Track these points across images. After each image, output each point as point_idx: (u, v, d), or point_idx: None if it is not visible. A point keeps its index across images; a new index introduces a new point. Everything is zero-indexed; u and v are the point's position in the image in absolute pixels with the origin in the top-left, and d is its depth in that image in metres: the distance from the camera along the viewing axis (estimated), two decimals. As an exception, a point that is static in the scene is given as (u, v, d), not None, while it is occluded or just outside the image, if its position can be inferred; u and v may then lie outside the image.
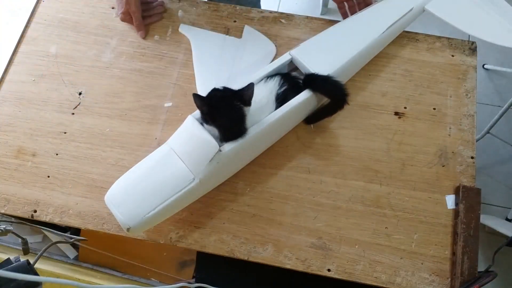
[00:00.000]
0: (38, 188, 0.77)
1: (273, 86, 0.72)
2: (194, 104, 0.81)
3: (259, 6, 1.18)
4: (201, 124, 0.66)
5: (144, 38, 0.88)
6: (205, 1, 0.93)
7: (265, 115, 0.69)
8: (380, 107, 0.81)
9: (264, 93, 0.70)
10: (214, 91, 0.67)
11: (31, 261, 0.53)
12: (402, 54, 0.86)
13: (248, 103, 0.65)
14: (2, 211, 0.75)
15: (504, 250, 0.70)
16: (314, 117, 0.78)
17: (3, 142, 0.80)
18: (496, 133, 1.49)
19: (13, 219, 0.77)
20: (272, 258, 0.71)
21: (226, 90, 0.67)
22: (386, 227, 0.72)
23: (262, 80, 0.73)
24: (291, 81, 0.74)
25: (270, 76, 0.74)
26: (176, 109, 0.82)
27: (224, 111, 0.64)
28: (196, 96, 0.63)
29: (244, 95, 0.64)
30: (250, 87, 0.64)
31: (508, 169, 1.57)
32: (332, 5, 1.86)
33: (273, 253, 0.71)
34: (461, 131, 0.79)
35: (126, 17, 0.87)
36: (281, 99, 0.71)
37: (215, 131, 0.64)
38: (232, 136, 0.65)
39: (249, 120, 0.66)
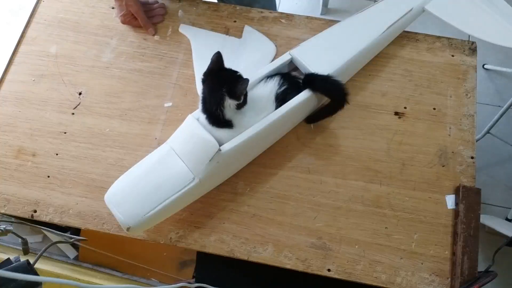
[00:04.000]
0: (38, 188, 0.77)
1: (273, 86, 0.71)
2: (194, 104, 0.82)
3: (274, 8, 1.17)
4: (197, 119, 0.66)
5: (154, 34, 0.88)
6: (205, 1, 0.93)
7: (264, 114, 0.69)
8: (380, 107, 0.81)
9: (264, 93, 0.70)
10: (223, 69, 0.67)
11: (31, 261, 0.53)
12: (402, 54, 0.86)
13: (234, 95, 0.63)
14: (2, 211, 0.75)
15: (504, 250, 0.69)
16: (315, 117, 0.78)
17: (3, 142, 0.80)
18: (496, 133, 1.49)
19: (13, 219, 0.77)
20: (272, 258, 0.71)
21: (229, 72, 0.67)
22: (386, 227, 0.72)
23: (262, 80, 0.73)
24: (291, 80, 0.74)
25: (270, 76, 0.74)
26: (176, 109, 0.82)
27: (210, 86, 0.65)
28: (217, 54, 0.66)
29: (236, 88, 0.62)
30: (244, 82, 0.62)
31: (508, 169, 1.57)
32: (332, 5, 1.86)
33: (273, 253, 0.71)
34: (461, 131, 0.79)
35: (127, 18, 0.87)
36: (280, 99, 0.71)
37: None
38: (207, 113, 0.66)
39: (244, 119, 0.67)
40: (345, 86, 0.72)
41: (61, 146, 0.80)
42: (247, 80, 0.63)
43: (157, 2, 0.91)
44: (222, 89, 0.63)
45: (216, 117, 0.65)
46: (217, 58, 0.66)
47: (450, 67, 0.84)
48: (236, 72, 0.67)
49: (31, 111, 0.83)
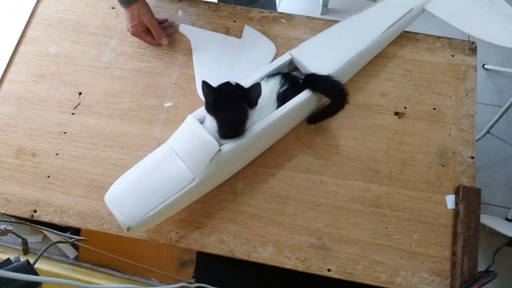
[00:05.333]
0: (38, 188, 0.77)
1: (274, 85, 0.72)
2: (194, 104, 0.82)
3: (275, 8, 1.16)
4: (201, 123, 0.66)
5: (167, 44, 0.86)
6: (205, 1, 0.93)
7: (266, 114, 0.69)
8: (380, 107, 0.81)
9: (265, 92, 0.70)
10: (226, 85, 0.66)
11: (31, 261, 0.53)
12: (402, 54, 0.86)
13: (255, 103, 0.65)
14: (2, 211, 0.75)
15: (504, 250, 0.70)
16: (316, 118, 0.78)
17: (3, 142, 0.80)
18: (496, 133, 1.49)
19: (13, 219, 0.77)
20: (272, 258, 0.71)
21: (237, 87, 0.66)
22: (386, 227, 0.72)
23: (263, 79, 0.73)
24: (292, 80, 0.74)
25: (270, 75, 0.74)
26: (176, 109, 0.82)
27: (229, 108, 0.64)
28: (205, 84, 0.63)
29: (251, 96, 0.64)
30: (257, 87, 0.64)
31: (508, 169, 1.57)
32: (332, 5, 1.86)
33: (273, 253, 0.71)
34: (461, 131, 0.79)
35: (139, 30, 0.83)
36: (282, 98, 0.71)
37: (214, 124, 0.64)
38: (229, 134, 0.65)
39: (250, 120, 0.66)
40: (345, 87, 0.72)
41: (61, 146, 0.80)
42: (258, 84, 0.63)
43: (167, 20, 0.89)
44: (242, 104, 0.63)
45: (237, 132, 0.65)
46: (209, 88, 0.64)
47: (450, 67, 0.84)
48: (235, 84, 0.67)
49: (31, 111, 0.83)
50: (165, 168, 0.66)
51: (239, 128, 0.65)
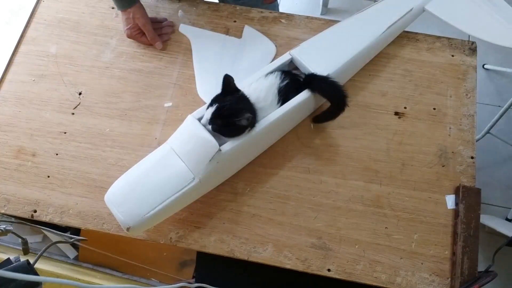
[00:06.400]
0: (38, 188, 0.77)
1: (274, 79, 0.71)
2: (194, 104, 0.82)
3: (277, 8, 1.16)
4: (203, 124, 0.66)
5: (161, 48, 0.86)
6: (205, 1, 0.93)
7: (267, 107, 0.69)
8: (380, 107, 0.81)
9: (263, 87, 0.70)
10: (220, 104, 0.65)
11: (31, 261, 0.53)
12: (402, 54, 0.86)
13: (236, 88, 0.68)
14: (2, 211, 0.75)
15: (504, 250, 0.69)
16: (320, 118, 0.78)
17: (3, 142, 0.80)
18: (496, 133, 1.49)
19: (13, 219, 0.77)
20: (272, 258, 0.71)
21: (219, 95, 0.67)
22: (386, 227, 0.72)
23: (260, 78, 0.73)
24: (292, 77, 0.74)
25: (269, 72, 0.74)
26: (176, 109, 0.82)
27: (244, 106, 0.66)
28: (244, 117, 0.63)
29: (232, 85, 0.67)
30: (229, 79, 0.66)
31: (508, 169, 1.57)
32: (332, 5, 1.86)
33: (273, 253, 0.71)
34: (461, 131, 0.79)
35: (134, 33, 0.85)
36: (283, 93, 0.70)
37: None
38: (254, 120, 0.67)
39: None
40: (344, 88, 0.71)
41: (61, 146, 0.80)
42: (226, 75, 0.66)
43: (166, 20, 0.89)
44: (237, 94, 0.65)
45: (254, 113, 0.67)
46: (247, 117, 0.64)
47: (450, 67, 0.84)
48: (216, 96, 0.68)
49: (31, 111, 0.83)
50: (165, 168, 0.66)
51: (253, 107, 0.67)
